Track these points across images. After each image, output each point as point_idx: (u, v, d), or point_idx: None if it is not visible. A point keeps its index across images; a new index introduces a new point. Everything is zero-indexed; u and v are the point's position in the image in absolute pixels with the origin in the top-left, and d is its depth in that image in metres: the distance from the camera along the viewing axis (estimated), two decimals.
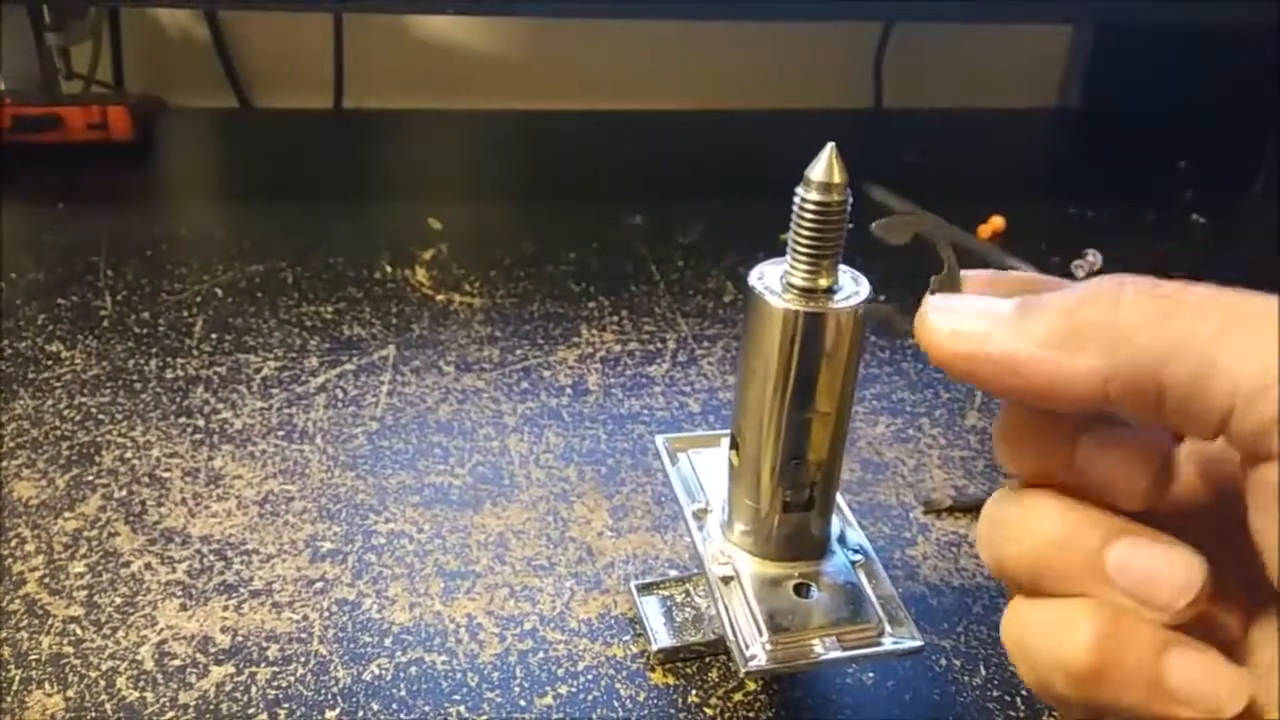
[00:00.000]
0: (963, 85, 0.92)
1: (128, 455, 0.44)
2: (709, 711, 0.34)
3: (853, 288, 0.30)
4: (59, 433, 0.45)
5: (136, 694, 0.34)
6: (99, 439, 0.45)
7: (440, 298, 0.57)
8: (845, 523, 0.35)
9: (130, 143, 0.70)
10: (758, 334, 0.30)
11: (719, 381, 0.51)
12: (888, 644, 0.32)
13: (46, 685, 0.34)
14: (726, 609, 0.32)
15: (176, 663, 0.35)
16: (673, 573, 0.39)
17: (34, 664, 0.34)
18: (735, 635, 0.31)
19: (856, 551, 0.34)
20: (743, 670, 0.31)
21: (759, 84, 0.90)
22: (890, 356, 0.54)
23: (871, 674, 0.36)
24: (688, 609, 0.37)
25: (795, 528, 0.33)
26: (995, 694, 0.36)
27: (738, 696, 0.35)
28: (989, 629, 0.38)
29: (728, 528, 0.34)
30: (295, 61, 0.86)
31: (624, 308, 0.57)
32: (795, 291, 0.30)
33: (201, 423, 0.46)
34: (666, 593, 0.38)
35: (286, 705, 0.34)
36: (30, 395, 0.47)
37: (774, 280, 0.30)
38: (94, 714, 0.33)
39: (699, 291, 0.59)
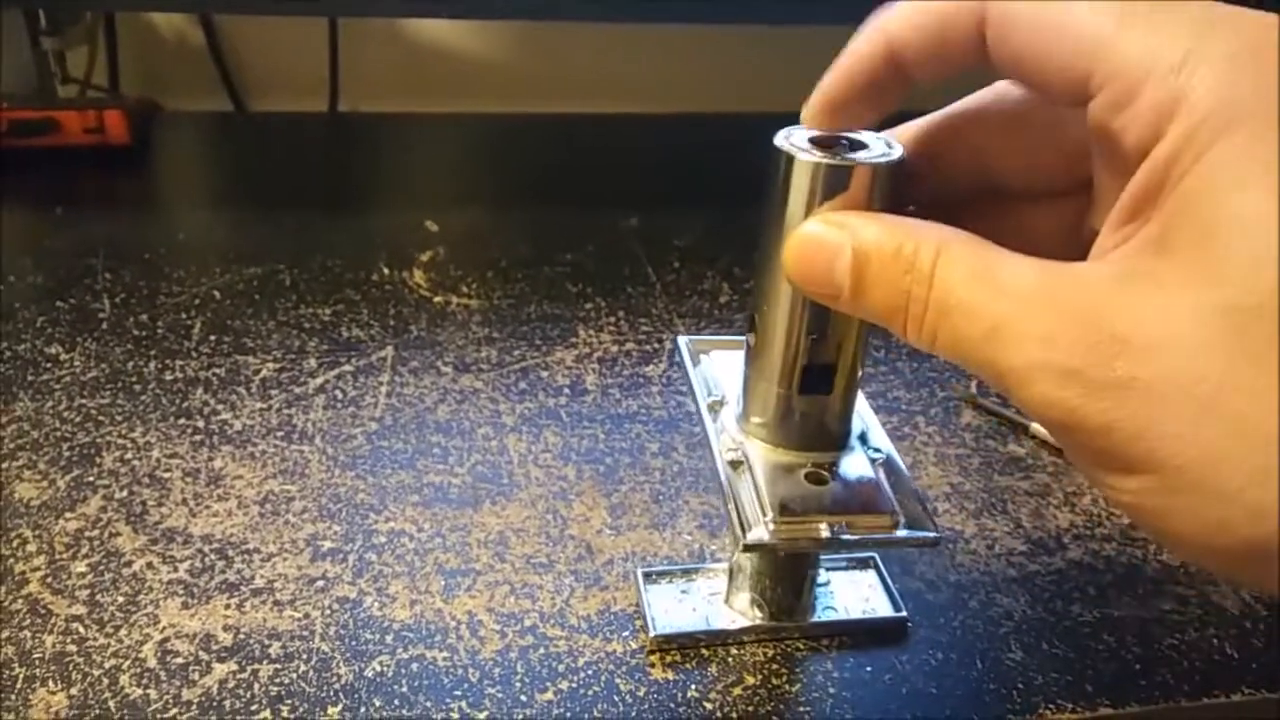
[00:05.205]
0: (945, 85, 0.92)
1: (128, 456, 0.44)
2: (709, 705, 0.35)
3: (884, 149, 0.29)
4: (59, 434, 0.45)
5: (140, 691, 0.34)
6: (99, 440, 0.45)
7: (438, 299, 0.58)
8: (868, 426, 0.34)
9: (127, 146, 0.70)
10: (783, 194, 0.29)
11: None
12: (902, 533, 0.31)
13: (50, 683, 0.34)
14: (733, 493, 0.31)
15: (179, 660, 0.35)
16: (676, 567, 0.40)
17: (37, 662, 0.34)
18: (738, 516, 0.30)
19: (878, 451, 0.33)
20: (740, 544, 0.30)
21: (754, 87, 0.90)
22: (885, 356, 0.54)
23: (869, 668, 0.36)
24: (689, 599, 0.38)
25: (813, 413, 0.32)
26: (991, 687, 0.36)
27: (737, 690, 0.35)
28: (985, 624, 0.38)
29: (743, 419, 0.33)
30: (290, 65, 0.86)
31: (621, 309, 0.58)
32: (823, 148, 0.29)
33: (201, 424, 0.46)
34: (670, 582, 0.39)
35: (289, 701, 0.34)
36: (30, 397, 0.47)
37: (802, 140, 0.29)
38: (98, 711, 0.33)
39: (695, 293, 0.60)
